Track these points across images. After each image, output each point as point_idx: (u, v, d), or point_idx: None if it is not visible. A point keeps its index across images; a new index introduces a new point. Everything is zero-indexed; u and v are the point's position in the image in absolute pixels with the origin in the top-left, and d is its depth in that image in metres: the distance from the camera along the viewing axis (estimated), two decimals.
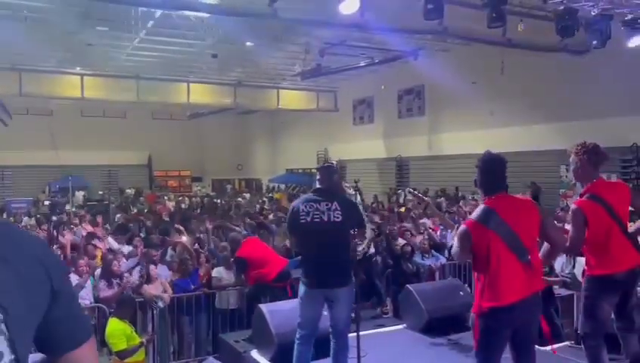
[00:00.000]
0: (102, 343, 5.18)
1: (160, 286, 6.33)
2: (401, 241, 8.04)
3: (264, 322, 4.87)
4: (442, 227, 9.20)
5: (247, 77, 19.80)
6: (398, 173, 19.98)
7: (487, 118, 15.59)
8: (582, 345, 3.59)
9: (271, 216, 11.75)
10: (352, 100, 22.39)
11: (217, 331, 6.35)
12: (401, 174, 19.82)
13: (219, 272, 6.89)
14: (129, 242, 8.53)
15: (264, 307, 5.08)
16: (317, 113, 22.68)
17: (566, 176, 12.73)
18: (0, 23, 11.47)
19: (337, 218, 3.95)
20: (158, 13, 11.56)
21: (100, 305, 5.97)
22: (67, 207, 19.01)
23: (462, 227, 3.25)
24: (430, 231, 8.90)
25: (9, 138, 21.34)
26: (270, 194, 23.74)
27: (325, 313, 4.11)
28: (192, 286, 6.65)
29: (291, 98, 21.55)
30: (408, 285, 5.92)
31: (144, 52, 15.87)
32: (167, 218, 12.06)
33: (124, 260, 7.17)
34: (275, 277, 6.03)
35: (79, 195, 22.36)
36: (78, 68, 17.27)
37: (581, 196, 3.57)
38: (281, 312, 4.95)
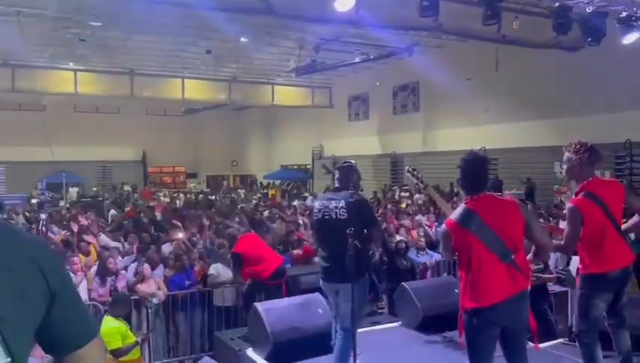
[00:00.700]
0: None
1: (154, 284, 6.31)
2: (396, 237, 8.05)
3: (259, 320, 4.85)
4: (437, 223, 9.21)
5: (242, 73, 19.74)
6: (392, 169, 19.99)
7: (482, 114, 15.63)
8: (577, 343, 3.61)
9: (266, 213, 11.71)
10: (347, 97, 22.37)
11: (212, 329, 6.33)
12: (395, 170, 19.82)
13: (215, 269, 6.85)
14: (125, 238, 8.49)
15: (259, 305, 5.05)
16: (312, 110, 22.63)
17: (561, 173, 12.78)
18: None
19: (342, 216, 4.06)
20: (152, 8, 11.47)
21: (94, 303, 5.93)
22: (61, 203, 18.93)
23: (443, 227, 3.31)
24: (426, 227, 8.92)
25: (1, 134, 21.22)
26: (264, 190, 23.69)
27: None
28: (187, 282, 6.63)
29: (286, 94, 21.50)
30: (403, 283, 5.92)
31: (138, 48, 15.77)
32: (160, 218, 12.01)
33: (120, 257, 7.14)
34: (271, 275, 6.01)
35: (73, 191, 22.26)
36: (71, 63, 17.15)
37: (576, 194, 3.57)
38: (276, 310, 4.95)
